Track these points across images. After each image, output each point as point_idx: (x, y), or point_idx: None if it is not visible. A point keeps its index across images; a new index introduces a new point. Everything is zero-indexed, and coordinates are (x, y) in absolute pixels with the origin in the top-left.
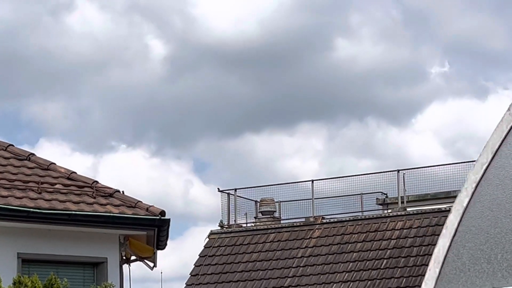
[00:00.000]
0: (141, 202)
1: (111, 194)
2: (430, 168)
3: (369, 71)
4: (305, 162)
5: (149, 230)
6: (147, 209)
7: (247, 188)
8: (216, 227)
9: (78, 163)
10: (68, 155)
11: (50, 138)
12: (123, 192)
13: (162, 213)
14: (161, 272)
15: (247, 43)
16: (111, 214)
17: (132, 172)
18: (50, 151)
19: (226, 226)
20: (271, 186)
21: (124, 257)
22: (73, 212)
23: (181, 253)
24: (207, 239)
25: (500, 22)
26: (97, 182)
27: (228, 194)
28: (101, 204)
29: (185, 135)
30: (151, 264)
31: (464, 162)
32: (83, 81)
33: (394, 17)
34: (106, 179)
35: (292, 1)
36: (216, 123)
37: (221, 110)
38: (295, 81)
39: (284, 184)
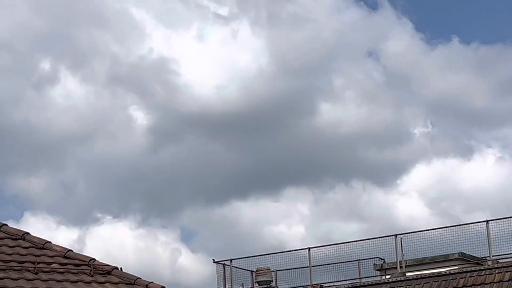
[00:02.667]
0: (140, 278)
1: (109, 271)
2: (426, 231)
3: (353, 133)
4: (291, 227)
5: None
6: (146, 286)
7: (243, 258)
8: None
9: (64, 236)
10: (54, 229)
11: (35, 212)
12: (121, 268)
13: None
14: None
15: (230, 109)
16: None
17: (119, 243)
18: (35, 225)
19: None
20: (264, 255)
21: None
22: None
23: None
24: None
25: (481, 81)
26: (94, 259)
27: (224, 265)
28: (100, 283)
29: (170, 204)
30: None
31: (459, 225)
32: (67, 154)
33: (376, 79)
34: (93, 252)
35: (274, 66)
36: (202, 190)
37: (206, 177)
38: (279, 146)
39: (280, 252)
